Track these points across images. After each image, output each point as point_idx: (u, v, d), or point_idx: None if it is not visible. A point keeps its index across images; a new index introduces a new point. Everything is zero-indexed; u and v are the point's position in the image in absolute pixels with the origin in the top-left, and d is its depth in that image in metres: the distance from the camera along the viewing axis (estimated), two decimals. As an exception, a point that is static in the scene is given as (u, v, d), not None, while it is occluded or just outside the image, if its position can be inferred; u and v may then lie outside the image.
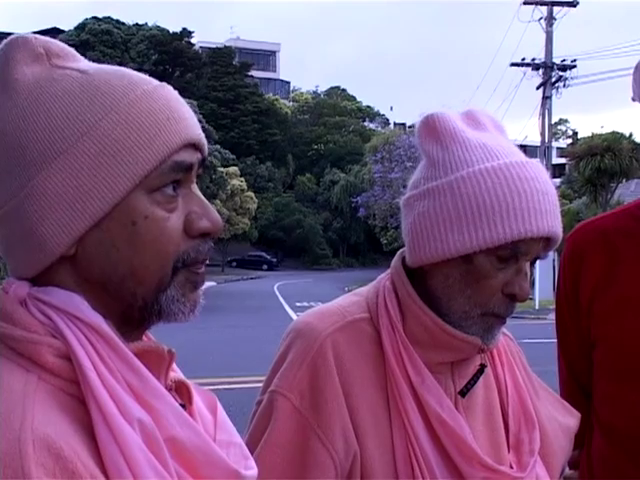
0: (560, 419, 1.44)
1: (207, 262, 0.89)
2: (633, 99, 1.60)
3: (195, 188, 0.88)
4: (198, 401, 0.93)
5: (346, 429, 1.21)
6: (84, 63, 0.89)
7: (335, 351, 1.24)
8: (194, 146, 0.87)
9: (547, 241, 1.22)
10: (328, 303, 1.36)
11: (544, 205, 1.19)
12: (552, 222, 1.20)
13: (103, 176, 0.80)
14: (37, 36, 0.87)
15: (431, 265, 1.24)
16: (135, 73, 0.88)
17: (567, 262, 1.69)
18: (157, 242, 0.83)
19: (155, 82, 0.87)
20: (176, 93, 0.89)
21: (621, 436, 1.57)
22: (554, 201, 1.22)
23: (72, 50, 0.90)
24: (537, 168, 1.23)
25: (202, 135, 0.89)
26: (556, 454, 1.40)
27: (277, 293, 31.40)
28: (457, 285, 1.23)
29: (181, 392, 0.91)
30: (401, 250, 1.33)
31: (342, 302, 1.35)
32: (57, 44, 0.88)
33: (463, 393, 1.29)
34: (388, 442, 1.23)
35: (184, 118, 0.86)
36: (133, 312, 0.85)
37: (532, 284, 22.03)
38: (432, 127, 1.27)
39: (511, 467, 1.29)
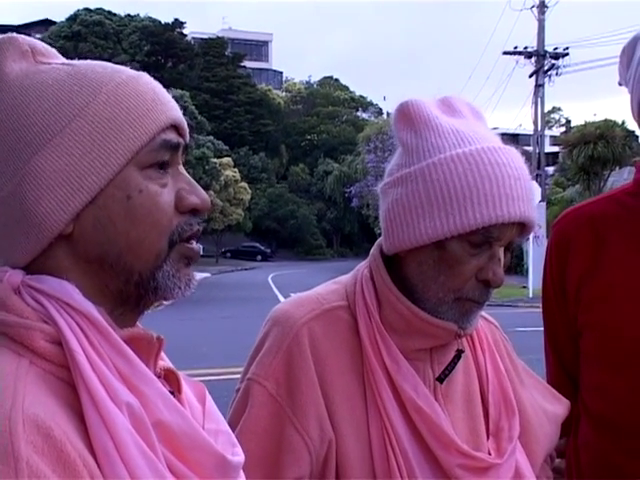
0: (547, 407, 1.44)
1: (201, 251, 0.92)
2: (619, 83, 1.60)
3: (182, 169, 0.93)
4: (187, 391, 0.95)
5: (321, 417, 1.22)
6: (66, 60, 0.94)
7: (311, 339, 1.25)
8: (177, 131, 0.91)
9: (522, 227, 1.22)
10: (307, 291, 1.36)
11: (516, 190, 1.18)
12: (524, 207, 1.19)
13: (97, 153, 0.85)
14: (23, 36, 0.93)
15: (406, 252, 1.25)
16: (115, 65, 0.93)
17: (554, 249, 1.67)
18: (152, 215, 0.87)
19: (135, 72, 0.92)
20: (157, 81, 0.94)
21: (608, 424, 1.55)
22: (527, 186, 1.21)
23: (54, 50, 0.96)
24: (510, 153, 1.22)
25: (184, 120, 0.93)
26: (539, 441, 1.39)
27: (271, 284, 31.35)
28: (431, 271, 1.22)
29: (170, 380, 0.93)
30: (380, 238, 1.33)
31: (321, 290, 1.35)
32: (41, 44, 0.94)
33: (441, 379, 1.29)
34: (364, 430, 1.23)
35: (168, 100, 0.92)
36: (130, 289, 0.88)
37: (526, 272, 22.08)
38: (406, 114, 1.27)
39: (489, 454, 1.29)
